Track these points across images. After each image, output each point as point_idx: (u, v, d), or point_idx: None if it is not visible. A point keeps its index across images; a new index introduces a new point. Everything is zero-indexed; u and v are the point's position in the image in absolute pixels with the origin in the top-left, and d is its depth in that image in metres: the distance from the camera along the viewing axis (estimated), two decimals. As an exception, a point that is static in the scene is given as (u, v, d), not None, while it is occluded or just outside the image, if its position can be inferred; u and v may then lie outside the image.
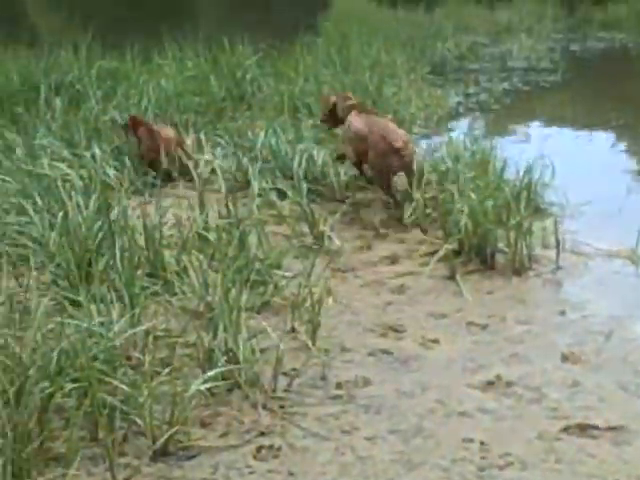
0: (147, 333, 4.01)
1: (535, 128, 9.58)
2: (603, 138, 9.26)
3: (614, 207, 6.30)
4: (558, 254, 5.34)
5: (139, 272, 4.62)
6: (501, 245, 5.30)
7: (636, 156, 8.60)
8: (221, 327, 3.96)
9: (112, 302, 4.22)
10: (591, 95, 11.40)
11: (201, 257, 4.86)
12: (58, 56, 10.15)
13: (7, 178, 5.99)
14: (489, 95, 11.02)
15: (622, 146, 9.10)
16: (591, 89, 11.86)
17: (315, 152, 6.90)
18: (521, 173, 6.24)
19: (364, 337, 4.39)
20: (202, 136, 7.60)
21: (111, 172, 6.66)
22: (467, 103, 10.63)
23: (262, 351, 3.99)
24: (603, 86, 12.18)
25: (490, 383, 3.92)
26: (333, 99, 6.79)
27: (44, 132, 7.41)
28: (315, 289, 4.51)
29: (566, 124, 9.89)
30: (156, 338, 4.08)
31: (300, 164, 6.58)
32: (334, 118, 6.70)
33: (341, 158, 6.64)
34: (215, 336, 3.93)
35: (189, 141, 7.38)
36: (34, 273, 4.58)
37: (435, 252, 5.38)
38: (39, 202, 5.50)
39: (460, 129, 9.11)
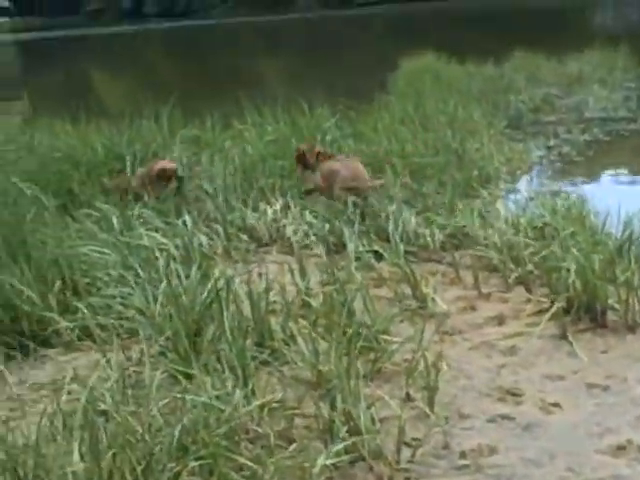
0: (263, 405, 3.95)
1: (623, 178, 9.41)
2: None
3: None
4: (673, 310, 5.17)
5: (247, 341, 4.57)
6: (611, 301, 5.14)
7: None
8: (339, 397, 3.87)
9: (224, 373, 4.18)
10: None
11: (306, 324, 4.81)
12: (140, 126, 10.27)
13: (105, 250, 6.01)
14: (571, 147, 10.86)
15: None
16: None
17: (407, 212, 6.85)
18: (620, 226, 6.09)
19: (481, 402, 4.27)
20: (290, 200, 7.58)
21: (204, 239, 6.67)
22: (549, 156, 10.49)
23: (381, 420, 3.90)
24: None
25: (621, 448, 3.77)
26: (302, 148, 8.03)
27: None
28: (427, 354, 4.41)
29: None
30: (271, 409, 4.01)
31: (395, 225, 6.53)
32: (304, 163, 7.89)
33: (309, 193, 7.77)
34: (334, 407, 3.84)
35: (278, 206, 7.38)
36: (143, 346, 4.56)
37: (542, 311, 5.24)
38: (140, 273, 5.50)
39: (547, 183, 8.98)
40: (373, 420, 3.83)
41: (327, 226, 6.86)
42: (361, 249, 6.35)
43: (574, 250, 5.51)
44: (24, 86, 18.98)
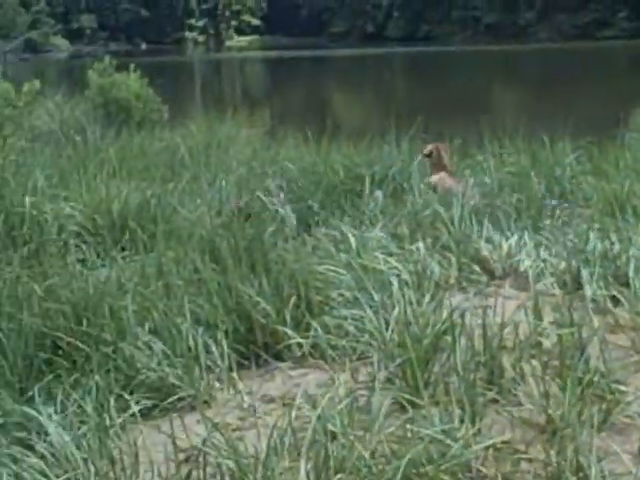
0: (489, 445, 3.89)
1: None
2: None
3: None
4: None
5: (477, 377, 4.52)
6: None
7: None
8: (570, 445, 3.76)
9: (452, 406, 4.15)
10: None
11: (537, 365, 4.70)
12: (380, 149, 10.41)
13: (340, 270, 6.11)
14: None
15: None
16: None
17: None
18: None
19: None
20: (525, 234, 7.44)
21: (436, 268, 6.66)
22: None
23: (613, 475, 3.75)
24: None
25: None
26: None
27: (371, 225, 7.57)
28: (665, 410, 4.22)
29: None
30: (498, 450, 3.95)
31: (636, 270, 6.28)
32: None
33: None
34: (564, 455, 3.73)
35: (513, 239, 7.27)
36: (372, 370, 4.60)
37: None
38: (374, 296, 5.56)
39: None
40: (604, 474, 3.69)
41: (563, 264, 6.69)
42: (598, 292, 6.15)
43: None
44: (267, 102, 19.68)
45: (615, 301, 6.04)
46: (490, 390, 4.55)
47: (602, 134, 11.74)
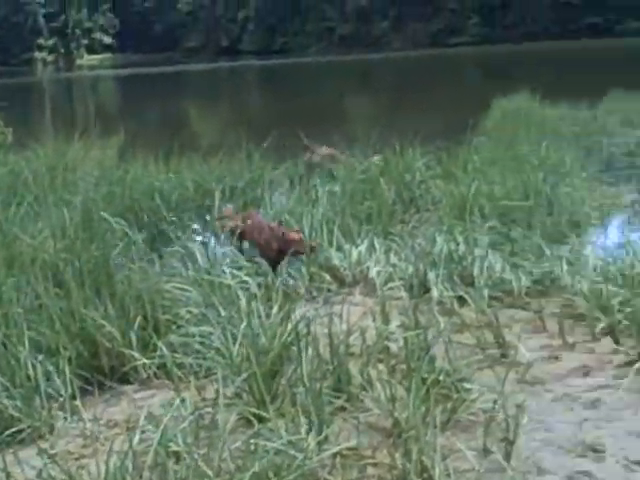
0: (336, 452, 3.89)
1: None
2: None
3: None
4: None
5: (324, 385, 4.52)
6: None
7: None
8: (414, 447, 3.79)
9: (298, 417, 4.13)
10: None
11: (384, 369, 4.73)
12: (230, 164, 10.37)
13: (188, 287, 6.04)
14: (666, 192, 10.59)
15: None
16: None
17: (492, 256, 6.74)
18: None
19: (562, 457, 4.12)
20: (375, 241, 7.52)
21: (287, 278, 6.66)
22: (642, 201, 10.22)
23: (457, 472, 3.80)
24: None
25: None
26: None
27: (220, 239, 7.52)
28: (507, 404, 4.30)
29: None
30: (344, 457, 3.95)
31: (481, 269, 6.42)
32: None
33: None
34: (409, 457, 3.76)
35: (363, 246, 7.33)
36: (217, 386, 4.54)
37: (629, 363, 5.08)
38: (222, 312, 5.50)
39: (639, 229, 8.74)
40: (448, 472, 3.73)
41: (411, 269, 6.78)
42: (445, 293, 6.25)
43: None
44: (120, 121, 19.38)
45: (462, 301, 6.16)
46: (338, 398, 4.56)
47: (452, 139, 11.98)
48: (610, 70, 34.18)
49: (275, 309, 5.38)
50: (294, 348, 4.83)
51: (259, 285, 6.27)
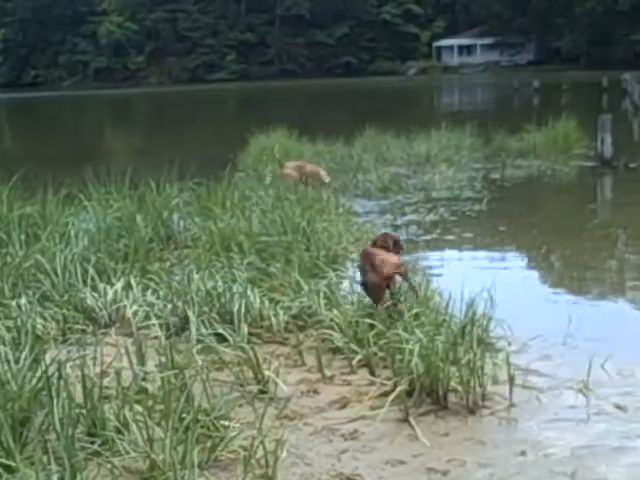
0: (90, 500, 3.72)
1: (467, 258, 9.56)
2: (535, 265, 9.36)
3: (558, 338, 6.25)
4: (511, 391, 5.20)
5: (78, 430, 4.33)
6: (453, 383, 5.13)
7: (570, 281, 8.62)
8: (170, 489, 3.69)
9: (50, 465, 3.93)
10: (517, 223, 11.44)
11: (142, 410, 4.60)
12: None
13: None
14: (417, 227, 11.03)
15: (555, 271, 9.17)
16: (516, 216, 11.93)
17: (250, 292, 6.73)
18: (463, 307, 6.12)
19: (321, 490, 4.15)
20: (132, 279, 7.34)
21: (39, 321, 6.38)
22: (396, 235, 10.57)
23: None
24: (527, 213, 12.32)
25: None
26: None
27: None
28: (266, 440, 4.28)
29: (496, 253, 9.89)
30: (99, 504, 3.79)
31: (239, 306, 6.39)
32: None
33: None
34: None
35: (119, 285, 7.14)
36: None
37: (385, 394, 5.20)
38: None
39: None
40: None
41: (169, 307, 6.67)
42: (204, 331, 6.17)
43: (418, 331, 5.51)
44: None
45: (221, 338, 6.10)
46: (93, 443, 4.38)
47: (212, 175, 11.95)
48: (363, 107, 35.54)
49: (24, 353, 5.12)
50: (45, 394, 4.61)
51: (8, 329, 5.96)
